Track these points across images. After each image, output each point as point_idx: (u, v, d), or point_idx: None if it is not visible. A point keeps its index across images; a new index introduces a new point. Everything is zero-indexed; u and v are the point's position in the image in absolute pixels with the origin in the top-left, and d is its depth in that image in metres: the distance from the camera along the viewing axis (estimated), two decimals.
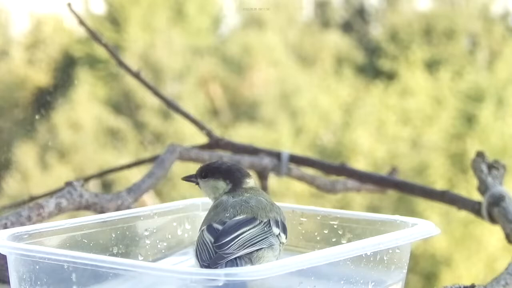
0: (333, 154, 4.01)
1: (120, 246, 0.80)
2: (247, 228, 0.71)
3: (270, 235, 0.72)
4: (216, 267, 0.66)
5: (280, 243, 0.73)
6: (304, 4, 4.76)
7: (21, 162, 3.10)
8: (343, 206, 3.29)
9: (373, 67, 4.46)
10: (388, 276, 0.74)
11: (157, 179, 1.10)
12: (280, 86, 4.35)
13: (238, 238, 0.69)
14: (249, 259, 0.69)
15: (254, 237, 0.70)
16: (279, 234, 0.73)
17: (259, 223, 0.72)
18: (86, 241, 0.77)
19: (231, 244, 0.68)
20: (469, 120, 4.18)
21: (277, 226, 0.74)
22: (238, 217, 0.72)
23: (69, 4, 1.28)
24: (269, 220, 0.73)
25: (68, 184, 0.99)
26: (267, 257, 0.71)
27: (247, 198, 0.75)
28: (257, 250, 0.70)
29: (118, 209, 0.99)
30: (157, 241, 0.83)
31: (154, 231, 0.82)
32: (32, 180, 3.40)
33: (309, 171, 1.34)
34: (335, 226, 0.82)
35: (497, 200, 1.06)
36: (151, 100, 3.49)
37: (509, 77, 4.27)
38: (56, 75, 3.51)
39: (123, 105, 4.06)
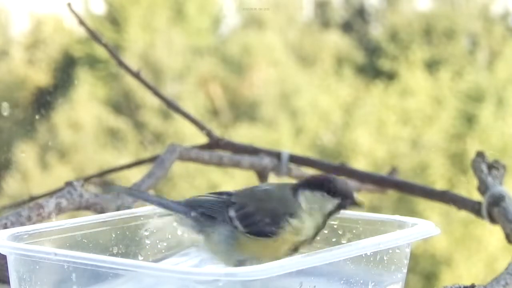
0: (333, 154, 4.01)
1: (120, 246, 0.80)
2: (208, 195, 0.77)
3: (220, 209, 0.74)
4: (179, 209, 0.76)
5: (235, 228, 0.73)
6: (304, 4, 4.76)
7: (21, 162, 3.10)
8: None
9: (373, 67, 4.46)
10: (388, 276, 0.74)
11: (157, 179, 1.10)
12: (280, 86, 4.35)
13: (196, 197, 0.77)
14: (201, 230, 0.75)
15: (205, 201, 0.76)
16: (233, 218, 0.73)
17: (221, 199, 0.75)
18: (86, 241, 0.77)
19: (191, 200, 0.77)
20: (469, 120, 4.18)
21: (237, 211, 0.73)
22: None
23: (69, 4, 1.28)
24: (235, 203, 0.74)
25: (68, 184, 0.99)
26: (214, 238, 0.74)
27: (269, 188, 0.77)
28: (209, 231, 0.74)
29: (118, 209, 0.99)
30: (157, 241, 0.83)
31: (154, 231, 0.82)
32: (32, 180, 3.40)
33: (309, 171, 1.33)
34: (335, 226, 0.82)
35: (497, 200, 1.06)
36: (151, 100, 3.48)
37: (509, 77, 4.27)
38: (56, 75, 3.51)
39: (123, 105, 4.06)
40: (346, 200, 0.75)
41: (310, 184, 0.76)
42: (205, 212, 0.75)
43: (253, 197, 0.75)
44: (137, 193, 0.79)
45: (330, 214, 0.75)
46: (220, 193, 0.77)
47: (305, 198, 0.74)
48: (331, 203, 0.74)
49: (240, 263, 0.71)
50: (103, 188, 0.81)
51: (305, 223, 0.73)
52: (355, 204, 0.75)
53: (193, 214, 0.75)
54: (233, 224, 0.73)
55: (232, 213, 0.73)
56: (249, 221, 0.73)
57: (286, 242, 0.72)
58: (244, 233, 0.72)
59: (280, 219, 0.72)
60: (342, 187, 0.75)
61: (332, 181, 0.75)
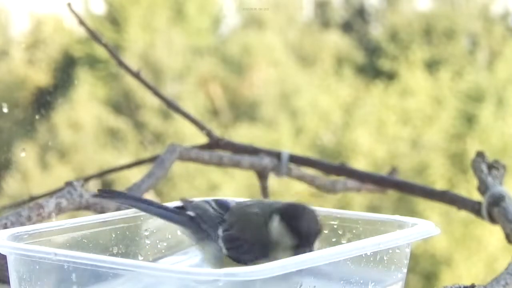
0: (333, 154, 4.01)
1: (120, 246, 0.80)
2: (209, 206, 0.76)
3: (213, 225, 0.74)
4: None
5: (220, 247, 0.72)
6: (304, 4, 4.76)
7: (21, 162, 3.10)
8: (343, 206, 3.29)
9: (373, 67, 4.47)
10: (388, 276, 0.74)
11: (157, 179, 1.10)
12: (280, 86, 4.35)
13: (200, 204, 0.76)
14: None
15: (204, 211, 0.75)
16: (219, 238, 0.73)
17: (217, 213, 0.74)
18: (86, 241, 0.77)
19: (194, 206, 0.76)
20: (469, 120, 4.19)
21: (224, 231, 0.73)
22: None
23: (69, 4, 1.28)
24: (225, 221, 0.74)
25: (68, 184, 0.99)
26: (205, 252, 0.74)
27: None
28: (202, 244, 0.74)
29: (118, 209, 0.99)
30: (157, 241, 0.83)
31: (154, 231, 0.82)
32: (32, 180, 3.40)
33: (309, 171, 1.33)
34: (335, 226, 0.82)
35: (497, 200, 1.06)
36: (151, 100, 3.49)
37: (509, 77, 4.28)
38: (56, 75, 3.52)
39: (123, 105, 4.06)
40: (303, 244, 0.70)
41: (283, 213, 0.71)
42: (200, 225, 0.74)
43: (241, 219, 0.73)
44: (139, 204, 0.77)
45: (287, 251, 0.70)
46: (221, 204, 0.76)
47: (273, 228, 0.71)
48: (289, 241, 0.70)
49: None
50: (100, 194, 0.79)
51: (276, 258, 0.69)
52: (310, 250, 0.70)
53: (189, 226, 0.75)
54: (219, 244, 0.72)
55: (220, 231, 0.73)
56: (232, 244, 0.72)
57: None
58: (226, 255, 0.72)
59: (256, 251, 0.70)
60: (303, 229, 0.70)
61: (298, 218, 0.71)
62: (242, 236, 0.72)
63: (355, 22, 4.68)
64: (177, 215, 0.76)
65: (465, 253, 3.76)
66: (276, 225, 0.72)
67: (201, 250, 0.75)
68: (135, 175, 1.18)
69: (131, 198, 0.80)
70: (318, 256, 0.66)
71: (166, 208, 0.77)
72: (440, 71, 4.32)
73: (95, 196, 0.78)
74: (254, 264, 0.67)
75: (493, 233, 3.47)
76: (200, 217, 0.75)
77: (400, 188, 1.30)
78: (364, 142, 4.10)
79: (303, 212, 0.72)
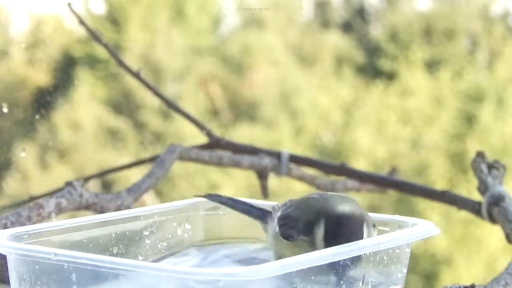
0: (333, 154, 4.01)
1: (120, 246, 0.80)
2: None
3: (275, 209, 0.76)
4: None
5: (275, 226, 0.75)
6: (304, 4, 4.77)
7: (21, 162, 3.10)
8: None
9: (373, 67, 4.47)
10: (388, 276, 0.74)
11: (157, 179, 1.10)
12: (280, 86, 4.35)
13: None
14: None
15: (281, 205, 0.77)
16: (276, 217, 0.75)
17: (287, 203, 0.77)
18: (86, 241, 0.76)
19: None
20: (469, 120, 4.19)
21: (283, 211, 0.75)
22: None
23: (69, 4, 1.28)
24: (285, 204, 0.76)
25: (68, 184, 0.99)
26: (267, 233, 0.77)
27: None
28: (266, 227, 0.78)
29: (118, 209, 0.99)
30: (157, 241, 0.83)
31: (154, 231, 0.82)
32: (32, 180, 3.40)
33: (309, 171, 1.33)
34: None
35: (497, 200, 1.05)
36: (151, 100, 3.49)
37: (509, 77, 4.28)
38: (56, 75, 3.52)
39: (123, 105, 4.06)
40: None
41: (328, 222, 0.72)
42: (272, 214, 0.78)
43: (302, 202, 0.76)
44: (227, 202, 0.82)
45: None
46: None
47: (318, 231, 0.72)
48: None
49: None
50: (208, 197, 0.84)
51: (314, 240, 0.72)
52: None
53: (262, 218, 0.79)
54: (274, 223, 0.75)
55: (279, 213, 0.75)
56: (283, 221, 0.74)
57: (302, 248, 0.71)
58: (277, 232, 0.74)
59: (300, 228, 0.72)
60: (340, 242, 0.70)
61: (338, 234, 0.71)
62: (293, 213, 0.74)
63: (355, 22, 4.68)
64: (255, 209, 0.80)
65: (465, 253, 3.76)
66: (320, 230, 0.72)
67: (265, 233, 0.78)
68: (135, 175, 1.18)
69: (225, 198, 0.84)
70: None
71: (248, 205, 0.82)
72: (440, 71, 4.32)
73: (204, 197, 0.83)
74: (297, 239, 0.72)
75: (493, 233, 3.47)
76: (274, 209, 0.77)
77: (400, 188, 1.30)
78: (364, 142, 4.10)
79: (345, 228, 0.71)
